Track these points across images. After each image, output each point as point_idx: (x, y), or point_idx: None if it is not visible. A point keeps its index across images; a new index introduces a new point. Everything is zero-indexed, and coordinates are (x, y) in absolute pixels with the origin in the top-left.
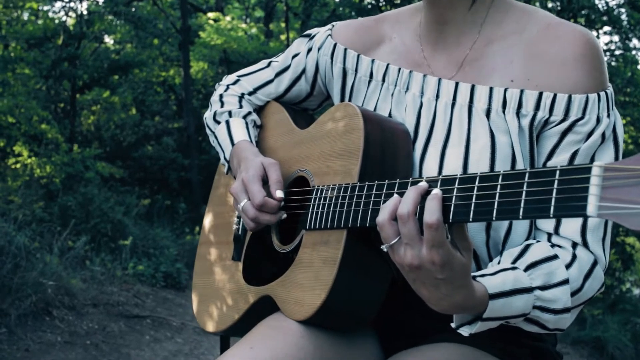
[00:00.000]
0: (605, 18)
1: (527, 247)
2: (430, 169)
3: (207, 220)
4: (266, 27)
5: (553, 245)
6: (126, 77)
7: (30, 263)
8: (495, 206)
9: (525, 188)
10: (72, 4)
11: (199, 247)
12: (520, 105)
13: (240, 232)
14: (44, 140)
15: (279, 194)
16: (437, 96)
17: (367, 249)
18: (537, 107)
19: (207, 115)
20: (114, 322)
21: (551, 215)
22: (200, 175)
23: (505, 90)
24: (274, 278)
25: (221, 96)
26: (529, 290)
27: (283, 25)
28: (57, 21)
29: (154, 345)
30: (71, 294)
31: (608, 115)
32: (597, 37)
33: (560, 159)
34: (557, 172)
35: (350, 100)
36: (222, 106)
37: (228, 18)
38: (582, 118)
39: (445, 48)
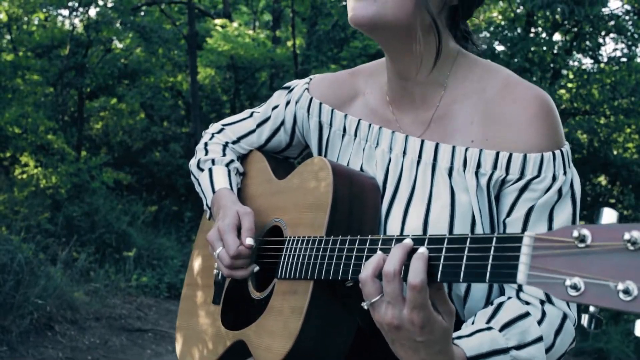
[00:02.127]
0: (612, 23)
1: (500, 305)
2: (393, 225)
3: (193, 263)
4: (273, 32)
5: (523, 302)
6: (133, 84)
7: (34, 277)
8: (440, 268)
9: (466, 253)
10: (80, 9)
11: (184, 288)
12: (479, 165)
13: (220, 277)
14: (50, 150)
15: (249, 241)
16: (405, 153)
17: (333, 300)
18: (495, 166)
19: (192, 163)
20: (115, 336)
21: (487, 281)
22: None
23: (466, 150)
24: (248, 323)
25: (206, 144)
26: (505, 350)
27: (290, 29)
28: (64, 28)
29: (155, 359)
30: (74, 308)
31: (564, 173)
32: (603, 44)
33: (517, 215)
34: (494, 239)
35: (326, 152)
36: (206, 154)
37: (235, 24)
38: (537, 176)
39: (411, 105)
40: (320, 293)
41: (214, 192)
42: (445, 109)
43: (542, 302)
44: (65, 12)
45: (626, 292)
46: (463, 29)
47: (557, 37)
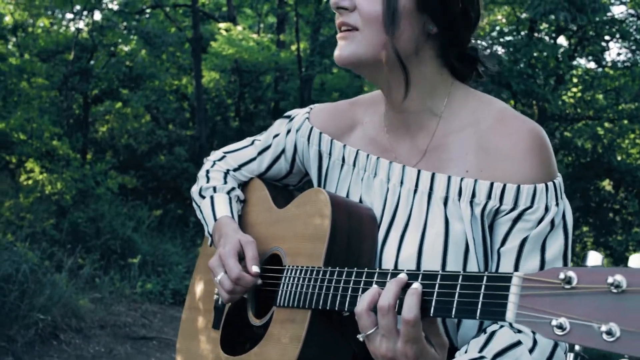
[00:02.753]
0: (616, 28)
1: (492, 334)
2: (389, 251)
3: (193, 287)
4: (278, 35)
5: (515, 330)
6: (138, 88)
7: (39, 286)
8: (433, 304)
9: (458, 290)
10: (84, 13)
11: (184, 311)
12: (473, 195)
13: (220, 302)
14: (56, 156)
15: (255, 269)
16: (402, 182)
17: (330, 329)
18: (489, 196)
19: (194, 190)
20: (120, 345)
21: (477, 318)
22: None
23: (462, 180)
24: (247, 349)
25: (207, 172)
26: None
27: (294, 33)
28: (69, 33)
29: None
30: (79, 316)
31: (557, 204)
32: (606, 49)
33: (511, 246)
34: (485, 277)
35: (325, 181)
36: (207, 182)
37: (240, 28)
38: (530, 207)
39: (407, 134)
40: (318, 322)
41: (215, 219)
42: (441, 139)
43: (533, 331)
44: (71, 16)
45: (609, 333)
46: (469, 54)
47: (561, 39)
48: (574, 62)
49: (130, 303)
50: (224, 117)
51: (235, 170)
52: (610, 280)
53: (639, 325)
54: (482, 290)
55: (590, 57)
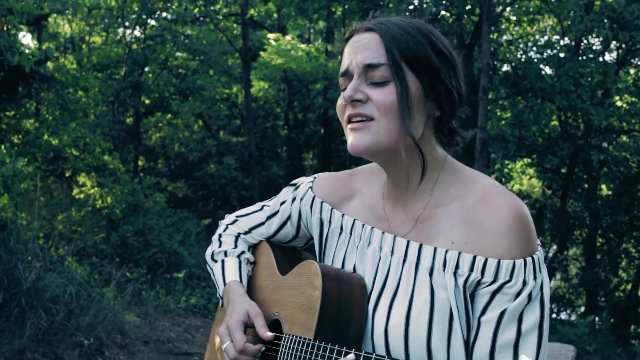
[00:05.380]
0: None
1: None
2: (380, 319)
3: (214, 339)
4: (327, 44)
5: None
6: (187, 100)
7: (87, 302)
8: None
9: None
10: (137, 28)
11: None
12: (457, 266)
13: None
14: (107, 171)
15: (270, 335)
16: (393, 252)
17: None
18: (471, 269)
19: (207, 253)
20: None
21: None
22: (261, 193)
23: (446, 251)
24: None
25: (220, 236)
26: None
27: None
28: (120, 51)
29: None
30: (124, 332)
31: (535, 278)
32: None
33: (491, 316)
34: None
35: (325, 246)
36: (219, 246)
37: (288, 37)
38: (509, 281)
39: (403, 206)
40: None
41: (225, 283)
42: (431, 212)
43: None
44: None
45: None
46: (448, 127)
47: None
48: (621, 74)
49: (174, 317)
50: (273, 125)
51: (245, 233)
52: None
53: None
54: None
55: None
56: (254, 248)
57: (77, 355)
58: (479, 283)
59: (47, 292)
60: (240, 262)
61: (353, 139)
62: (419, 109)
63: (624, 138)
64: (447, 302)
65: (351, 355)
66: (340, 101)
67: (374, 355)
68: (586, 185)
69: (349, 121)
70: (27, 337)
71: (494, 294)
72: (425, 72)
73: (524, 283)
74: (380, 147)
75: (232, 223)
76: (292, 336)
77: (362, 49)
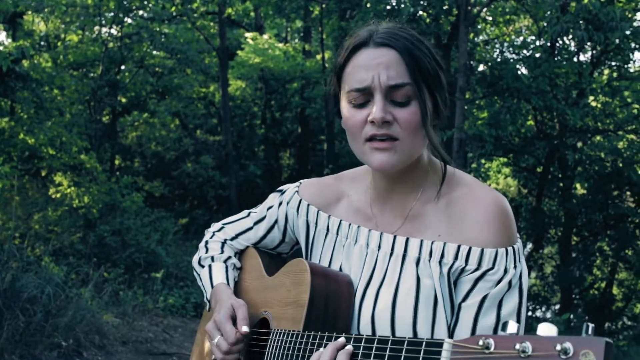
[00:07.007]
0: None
1: None
2: (367, 306)
3: (196, 348)
4: (304, 45)
5: None
6: (165, 98)
7: (64, 302)
8: None
9: (388, 352)
10: (114, 26)
11: None
12: (442, 256)
13: None
14: (83, 170)
15: (245, 328)
16: (379, 247)
17: None
18: (456, 257)
19: (194, 260)
20: None
21: None
22: (238, 192)
23: (432, 243)
24: None
25: (206, 242)
26: None
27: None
28: (96, 49)
29: None
30: (102, 333)
31: (515, 267)
32: (631, 59)
33: (472, 301)
34: (424, 342)
35: (312, 247)
36: (206, 252)
37: (266, 37)
38: (492, 268)
39: (391, 208)
40: None
41: (212, 286)
42: (419, 209)
43: None
44: (99, 29)
45: None
46: None
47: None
48: (596, 75)
49: (152, 317)
50: (251, 125)
51: (232, 239)
52: (518, 346)
53: None
54: (422, 354)
55: (613, 68)
56: (240, 254)
57: (55, 356)
58: (462, 270)
59: (24, 292)
60: (227, 267)
61: (380, 158)
62: (431, 121)
63: (599, 138)
64: (432, 289)
65: (342, 339)
66: (358, 117)
67: (364, 336)
68: (561, 185)
69: (371, 139)
70: (4, 339)
71: (476, 280)
72: (436, 87)
73: (505, 271)
74: (405, 164)
75: (219, 230)
76: (281, 330)
77: (383, 67)
